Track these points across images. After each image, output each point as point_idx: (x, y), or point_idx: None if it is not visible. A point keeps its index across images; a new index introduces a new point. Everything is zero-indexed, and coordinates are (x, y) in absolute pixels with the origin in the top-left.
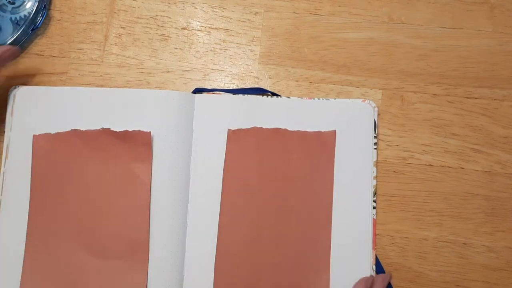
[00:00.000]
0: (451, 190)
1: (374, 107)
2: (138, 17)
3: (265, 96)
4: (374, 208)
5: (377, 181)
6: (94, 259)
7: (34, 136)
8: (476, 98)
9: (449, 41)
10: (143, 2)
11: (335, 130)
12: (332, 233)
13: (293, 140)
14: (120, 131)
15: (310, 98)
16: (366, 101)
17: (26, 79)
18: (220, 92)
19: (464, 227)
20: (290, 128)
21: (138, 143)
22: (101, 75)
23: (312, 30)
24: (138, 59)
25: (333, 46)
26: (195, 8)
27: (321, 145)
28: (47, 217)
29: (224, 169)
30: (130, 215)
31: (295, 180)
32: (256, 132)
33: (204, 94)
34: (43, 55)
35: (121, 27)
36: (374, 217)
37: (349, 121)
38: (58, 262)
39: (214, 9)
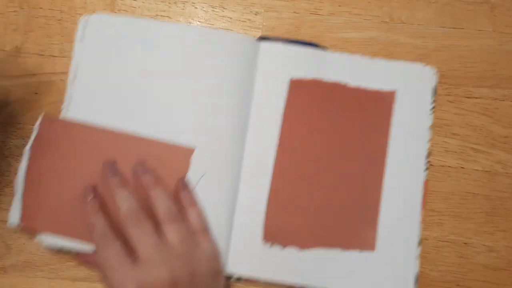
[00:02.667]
0: (452, 189)
1: (435, 72)
2: (138, 17)
3: (328, 51)
4: (426, 170)
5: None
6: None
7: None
8: (476, 97)
9: (449, 41)
10: (143, 2)
11: (395, 90)
12: (382, 190)
13: (352, 96)
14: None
15: (372, 57)
16: (427, 66)
17: (26, 79)
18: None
19: (464, 227)
20: (349, 85)
21: (378, 103)
22: None
23: (313, 30)
24: None
25: (334, 46)
26: (196, 8)
27: (379, 103)
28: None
29: (283, 116)
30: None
31: (351, 133)
32: (317, 84)
33: (269, 42)
34: (43, 55)
35: None
36: (426, 179)
37: (408, 83)
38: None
39: (215, 9)
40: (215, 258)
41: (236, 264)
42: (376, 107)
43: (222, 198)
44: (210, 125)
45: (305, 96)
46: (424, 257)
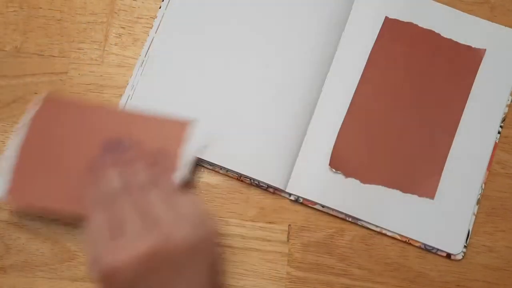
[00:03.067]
0: None
1: None
2: (138, 17)
3: None
4: (499, 133)
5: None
6: None
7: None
8: None
9: None
10: (143, 2)
11: (485, 49)
12: (453, 142)
13: (443, 46)
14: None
15: (468, 14)
16: None
17: (26, 79)
18: None
19: None
20: (442, 34)
21: (467, 58)
22: (101, 75)
23: None
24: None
25: None
26: None
27: (468, 59)
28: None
29: (371, 52)
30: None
31: (433, 82)
32: (411, 28)
33: None
34: (43, 55)
35: (121, 27)
36: (497, 140)
37: (497, 46)
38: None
39: None
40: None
41: (297, 185)
42: (464, 61)
43: (295, 118)
44: (296, 49)
45: (396, 36)
46: (423, 257)
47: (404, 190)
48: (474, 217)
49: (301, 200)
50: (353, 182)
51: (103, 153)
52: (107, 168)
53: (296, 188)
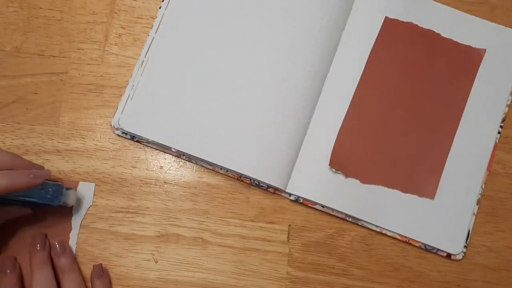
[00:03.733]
0: None
1: None
2: (138, 17)
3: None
4: (499, 133)
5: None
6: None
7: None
8: None
9: None
10: (143, 2)
11: (485, 49)
12: (453, 142)
13: (443, 46)
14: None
15: (468, 14)
16: None
17: (26, 79)
18: None
19: None
20: (442, 34)
21: (467, 58)
22: (101, 75)
23: None
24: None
25: None
26: None
27: (468, 59)
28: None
29: (371, 51)
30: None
31: (433, 82)
32: (411, 28)
33: None
34: (43, 55)
35: (121, 27)
36: (497, 140)
37: (498, 45)
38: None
39: None
40: None
41: (297, 185)
42: (464, 61)
43: (295, 118)
44: (296, 49)
45: (397, 36)
46: (423, 257)
47: (404, 190)
48: (474, 217)
49: (301, 200)
50: (353, 182)
51: (36, 247)
52: (41, 266)
53: (296, 188)
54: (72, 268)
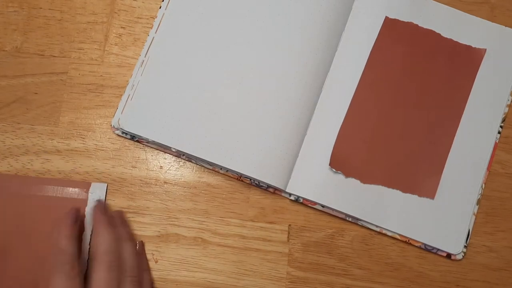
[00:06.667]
0: None
1: None
2: (138, 17)
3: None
4: (499, 133)
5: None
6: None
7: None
8: None
9: None
10: (143, 2)
11: (485, 49)
12: (453, 143)
13: (443, 46)
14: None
15: (468, 14)
16: None
17: (26, 79)
18: None
19: None
20: (443, 34)
21: (467, 58)
22: (101, 75)
23: None
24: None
25: None
26: None
27: (468, 59)
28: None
29: (371, 52)
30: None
31: (433, 82)
32: (412, 27)
33: None
34: (43, 55)
35: (121, 27)
36: (497, 140)
37: (498, 45)
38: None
39: None
40: None
41: (297, 185)
42: (464, 61)
43: (295, 118)
44: (296, 49)
45: (397, 36)
46: (423, 257)
47: (404, 190)
48: (474, 217)
49: (301, 200)
50: (353, 182)
51: (100, 211)
52: (104, 227)
53: (296, 188)
54: (130, 238)
